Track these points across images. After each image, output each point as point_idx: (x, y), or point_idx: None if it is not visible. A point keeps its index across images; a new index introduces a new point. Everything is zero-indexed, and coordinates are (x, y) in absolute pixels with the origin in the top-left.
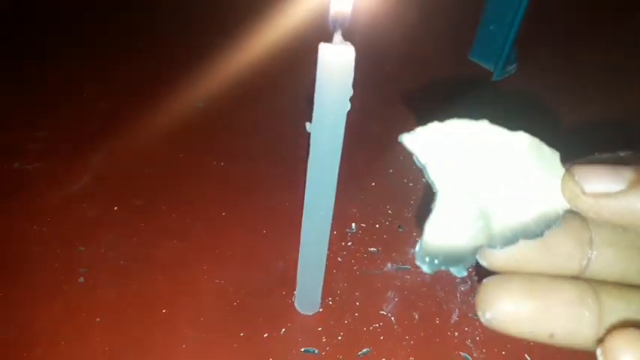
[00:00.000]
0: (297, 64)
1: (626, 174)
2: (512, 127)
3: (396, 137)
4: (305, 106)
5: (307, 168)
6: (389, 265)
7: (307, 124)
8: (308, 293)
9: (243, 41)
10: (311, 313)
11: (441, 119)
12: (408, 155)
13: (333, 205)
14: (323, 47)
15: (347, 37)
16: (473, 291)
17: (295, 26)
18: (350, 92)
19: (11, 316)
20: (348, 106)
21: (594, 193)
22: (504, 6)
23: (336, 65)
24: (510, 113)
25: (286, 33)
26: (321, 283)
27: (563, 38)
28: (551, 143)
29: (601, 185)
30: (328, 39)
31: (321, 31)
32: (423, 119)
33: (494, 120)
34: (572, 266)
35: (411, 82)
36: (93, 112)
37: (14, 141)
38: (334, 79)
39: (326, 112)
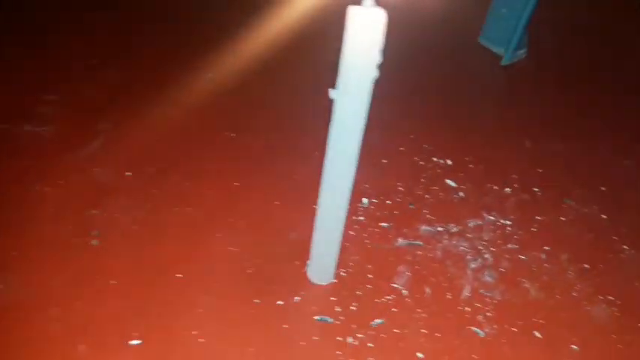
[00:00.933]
0: (308, 40)
1: None
2: (521, 111)
3: (407, 116)
4: (319, 80)
5: (328, 135)
6: (400, 240)
7: (330, 91)
8: (322, 264)
9: (259, 15)
10: (324, 284)
11: (451, 102)
12: (420, 134)
13: (353, 175)
14: (353, 9)
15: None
16: (484, 268)
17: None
18: (379, 58)
19: (26, 276)
20: (376, 74)
21: None
22: None
23: (366, 27)
24: (518, 97)
25: (301, 9)
26: (337, 254)
27: (572, 25)
28: (561, 129)
29: None
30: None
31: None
32: (433, 100)
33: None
34: None
35: (421, 64)
36: (103, 79)
37: (24, 103)
38: (363, 42)
39: (352, 78)
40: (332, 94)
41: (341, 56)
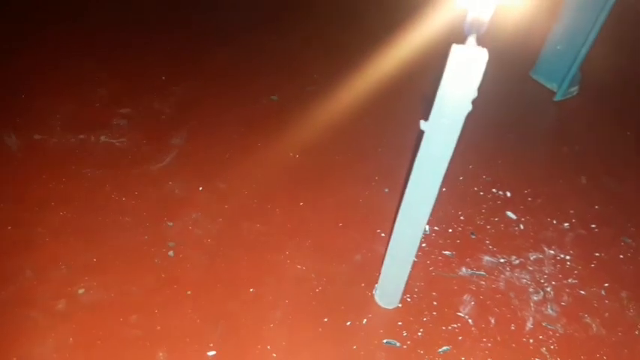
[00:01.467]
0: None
1: None
2: (576, 148)
3: (464, 146)
4: (379, 107)
5: (414, 165)
6: (464, 269)
7: (422, 122)
8: (391, 288)
9: (316, 36)
10: (391, 308)
11: (504, 134)
12: (478, 165)
13: (432, 205)
14: (456, 47)
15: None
16: (546, 301)
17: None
18: (475, 94)
19: (107, 281)
20: (470, 108)
21: None
22: (577, 26)
23: (467, 66)
24: (572, 133)
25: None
26: (406, 280)
27: (628, 63)
28: (617, 167)
29: None
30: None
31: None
32: (489, 132)
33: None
34: None
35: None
36: (171, 94)
37: (100, 116)
38: (463, 79)
39: (447, 110)
40: (423, 125)
41: (438, 90)
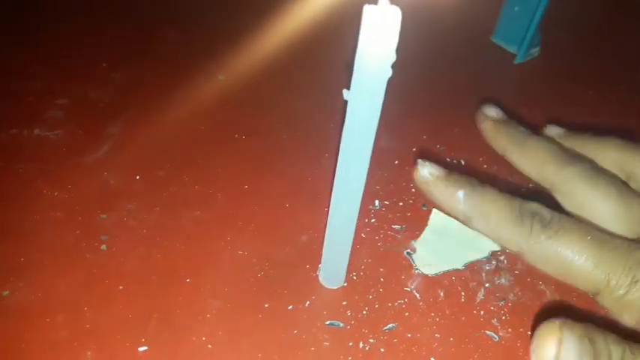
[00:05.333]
0: (320, 40)
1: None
2: (535, 110)
3: (419, 116)
4: (332, 81)
5: (341, 136)
6: (413, 242)
7: (344, 91)
8: (333, 267)
9: (269, 14)
10: (335, 287)
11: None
12: (432, 134)
13: (365, 177)
14: (368, 8)
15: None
16: (499, 271)
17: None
18: (393, 57)
19: (34, 282)
20: (390, 73)
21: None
22: None
23: (381, 26)
24: (531, 95)
25: (313, 6)
26: (348, 258)
27: (587, 22)
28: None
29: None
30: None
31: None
32: (445, 100)
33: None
34: None
35: (433, 62)
36: (111, 81)
37: (34, 108)
38: (378, 42)
39: (366, 78)
40: (345, 95)
41: (355, 56)
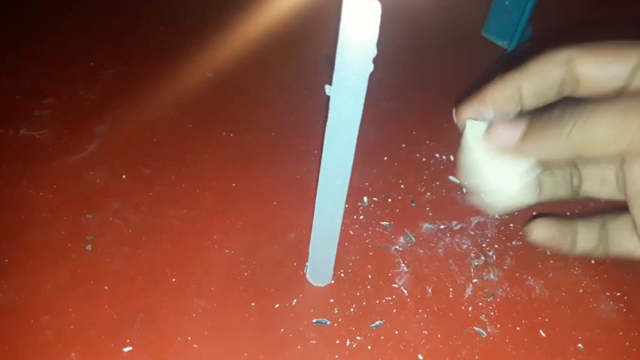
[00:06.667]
0: (306, 36)
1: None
2: None
3: (408, 112)
4: (316, 77)
5: (325, 133)
6: (401, 239)
7: (327, 87)
8: (320, 265)
9: (254, 11)
10: (323, 285)
11: (454, 96)
12: (422, 130)
13: (350, 173)
14: (347, 2)
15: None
16: (488, 266)
17: None
18: (374, 52)
19: (19, 282)
20: (371, 68)
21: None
22: None
23: (360, 21)
24: None
25: (298, 2)
26: (334, 255)
27: (579, 14)
28: None
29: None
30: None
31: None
32: (435, 95)
33: None
34: None
35: (422, 58)
36: (99, 79)
37: (20, 107)
38: (358, 37)
39: (348, 73)
40: (328, 90)
41: (337, 52)
